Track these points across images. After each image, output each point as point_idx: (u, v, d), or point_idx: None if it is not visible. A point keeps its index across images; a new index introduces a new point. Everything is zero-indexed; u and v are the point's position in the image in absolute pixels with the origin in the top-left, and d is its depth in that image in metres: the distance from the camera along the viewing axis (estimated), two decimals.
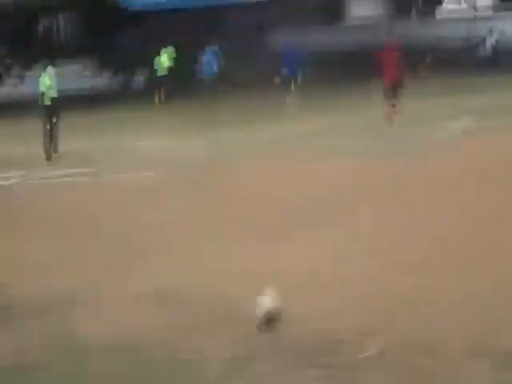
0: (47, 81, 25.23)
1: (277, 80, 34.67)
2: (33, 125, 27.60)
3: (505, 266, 11.45)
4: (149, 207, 17.22)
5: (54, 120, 25.05)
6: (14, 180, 22.02)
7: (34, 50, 41.34)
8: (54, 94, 25.23)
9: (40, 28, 47.30)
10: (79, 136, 27.96)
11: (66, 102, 27.11)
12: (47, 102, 25.16)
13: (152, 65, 38.54)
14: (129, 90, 42.86)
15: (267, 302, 8.25)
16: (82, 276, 12.50)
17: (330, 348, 8.91)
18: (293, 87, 34.68)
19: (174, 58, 37.75)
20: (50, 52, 39.80)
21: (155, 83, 38.80)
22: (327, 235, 13.85)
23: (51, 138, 25.04)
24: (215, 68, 37.69)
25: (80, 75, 41.87)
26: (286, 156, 22.31)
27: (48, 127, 25.02)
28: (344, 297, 10.61)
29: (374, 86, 29.18)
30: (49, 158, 24.80)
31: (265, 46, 50.81)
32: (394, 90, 27.24)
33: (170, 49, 37.71)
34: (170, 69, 37.71)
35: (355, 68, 36.92)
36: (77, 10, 46.70)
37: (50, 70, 25.75)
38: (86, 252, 14.06)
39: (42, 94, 25.27)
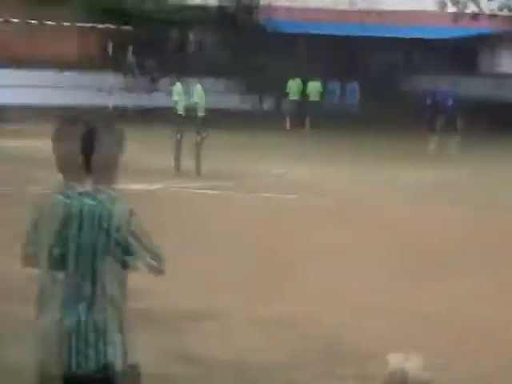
0: (198, 94, 25.83)
1: (437, 124, 35.38)
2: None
3: None
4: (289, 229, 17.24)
5: (202, 136, 25.41)
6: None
7: (181, 64, 41.75)
8: (203, 110, 25.69)
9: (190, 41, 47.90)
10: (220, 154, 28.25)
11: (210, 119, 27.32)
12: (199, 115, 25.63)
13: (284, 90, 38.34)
14: (275, 112, 42.65)
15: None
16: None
17: None
18: (449, 132, 35.09)
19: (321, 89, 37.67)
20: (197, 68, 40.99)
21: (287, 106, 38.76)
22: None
23: (197, 153, 25.43)
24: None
25: (224, 94, 41.66)
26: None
27: (196, 140, 25.44)
28: None
29: None
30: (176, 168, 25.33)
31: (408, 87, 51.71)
32: None
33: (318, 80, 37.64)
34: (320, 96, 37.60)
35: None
36: (222, 28, 47.23)
37: (198, 86, 26.29)
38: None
39: (195, 105, 25.78)
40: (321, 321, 11.15)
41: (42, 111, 35.64)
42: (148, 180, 22.90)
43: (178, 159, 25.01)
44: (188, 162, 25.77)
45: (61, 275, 5.35)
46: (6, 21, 39.86)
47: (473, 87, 41.12)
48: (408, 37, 52.17)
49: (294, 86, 37.59)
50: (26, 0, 42.89)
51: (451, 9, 46.18)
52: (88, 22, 40.15)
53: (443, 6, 46.57)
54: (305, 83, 39.24)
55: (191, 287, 12.75)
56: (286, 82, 38.15)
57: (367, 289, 13.06)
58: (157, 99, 40.28)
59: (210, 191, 21.83)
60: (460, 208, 20.79)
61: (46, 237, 5.41)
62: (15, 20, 39.85)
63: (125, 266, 5.51)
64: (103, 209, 5.38)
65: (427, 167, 29.02)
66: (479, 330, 11.13)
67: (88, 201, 5.37)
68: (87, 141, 5.36)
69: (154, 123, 34.98)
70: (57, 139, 5.34)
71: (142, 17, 41.33)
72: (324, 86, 37.84)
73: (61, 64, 40.03)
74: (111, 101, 34.72)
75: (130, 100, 39.14)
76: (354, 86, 39.14)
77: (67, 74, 39.71)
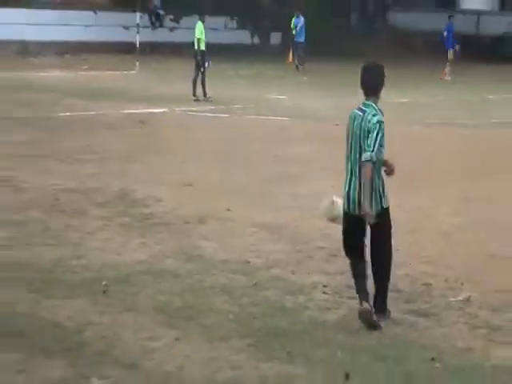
0: (199, 31, 25.21)
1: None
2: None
3: None
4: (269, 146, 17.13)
5: (204, 67, 25.03)
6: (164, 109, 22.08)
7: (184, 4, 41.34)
8: (203, 44, 25.19)
9: None
10: (224, 83, 28.13)
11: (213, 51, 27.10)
12: (201, 48, 25.18)
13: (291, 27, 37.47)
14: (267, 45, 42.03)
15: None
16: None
17: None
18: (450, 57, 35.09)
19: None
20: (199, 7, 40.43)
21: (290, 42, 37.83)
22: None
23: (202, 80, 25.00)
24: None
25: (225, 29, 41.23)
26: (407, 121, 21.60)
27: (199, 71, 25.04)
28: None
29: None
30: (195, 98, 24.72)
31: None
32: None
33: (301, 16, 37.06)
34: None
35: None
36: None
37: (200, 23, 25.58)
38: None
39: (198, 41, 25.32)
40: (307, 223, 11.09)
41: (78, 46, 35.60)
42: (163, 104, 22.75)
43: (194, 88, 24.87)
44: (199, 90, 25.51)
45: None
46: None
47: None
48: None
49: (295, 21, 37.16)
50: None
51: None
52: None
53: None
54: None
55: (192, 192, 12.78)
56: (290, 18, 37.66)
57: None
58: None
59: (220, 114, 21.62)
60: (440, 127, 20.83)
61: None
62: None
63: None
64: (365, 116, 7.82)
65: (424, 90, 29.17)
66: (465, 237, 11.04)
67: (357, 112, 7.93)
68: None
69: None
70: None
71: None
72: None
73: (95, 6, 39.84)
74: (136, 37, 34.43)
75: (151, 36, 38.89)
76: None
77: (100, 14, 39.42)
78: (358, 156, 7.77)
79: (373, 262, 8.03)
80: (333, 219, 8.32)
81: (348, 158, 7.91)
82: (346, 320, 7.91)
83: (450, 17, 39.72)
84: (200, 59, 24.95)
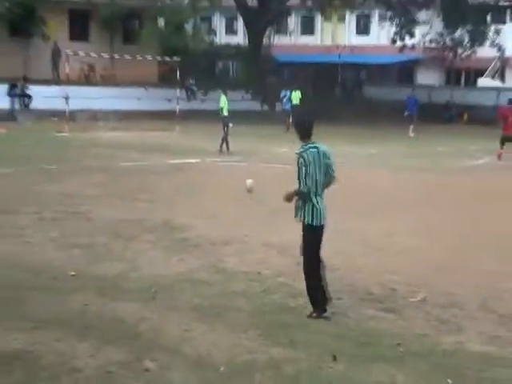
0: (223, 102, 25.23)
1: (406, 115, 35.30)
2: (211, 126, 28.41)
3: None
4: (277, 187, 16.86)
5: (227, 128, 24.92)
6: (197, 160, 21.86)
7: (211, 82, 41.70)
8: (226, 111, 25.07)
9: (218, 67, 47.65)
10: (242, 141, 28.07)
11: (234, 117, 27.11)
12: (224, 114, 25.08)
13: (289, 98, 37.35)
14: (274, 112, 41.96)
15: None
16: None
17: None
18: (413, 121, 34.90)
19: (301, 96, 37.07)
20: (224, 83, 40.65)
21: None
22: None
23: (225, 139, 24.89)
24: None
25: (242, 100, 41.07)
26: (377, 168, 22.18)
27: (224, 131, 24.96)
28: None
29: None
30: (220, 151, 24.61)
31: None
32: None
33: (298, 90, 37.09)
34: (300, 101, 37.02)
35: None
36: (243, 58, 46.91)
37: (223, 95, 25.64)
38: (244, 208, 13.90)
39: (221, 109, 25.23)
40: (298, 245, 11.07)
41: (133, 114, 35.80)
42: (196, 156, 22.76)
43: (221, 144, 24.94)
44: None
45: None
46: (111, 57, 39.80)
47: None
48: (369, 62, 51.92)
49: (294, 95, 37.22)
50: (124, 42, 43.03)
51: (398, 44, 45.78)
52: (163, 57, 40.07)
53: (393, 41, 46.17)
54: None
55: (219, 221, 12.74)
56: (290, 92, 37.78)
57: (335, 221, 12.83)
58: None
59: (239, 163, 21.58)
60: (403, 172, 20.73)
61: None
62: (116, 56, 39.82)
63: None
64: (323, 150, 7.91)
65: (389, 145, 29.03)
66: (422, 253, 11.09)
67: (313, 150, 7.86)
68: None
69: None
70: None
71: (195, 52, 41.27)
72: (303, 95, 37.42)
73: (145, 83, 40.04)
74: (176, 106, 34.65)
75: (187, 106, 39.13)
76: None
77: (150, 89, 39.62)
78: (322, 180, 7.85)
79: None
80: (249, 190, 9.58)
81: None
82: (335, 316, 7.90)
83: (412, 90, 40.07)
84: (223, 122, 25.03)
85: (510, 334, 7.59)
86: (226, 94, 25.62)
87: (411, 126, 34.47)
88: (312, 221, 7.85)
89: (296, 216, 8.00)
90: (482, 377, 6.46)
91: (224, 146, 24.75)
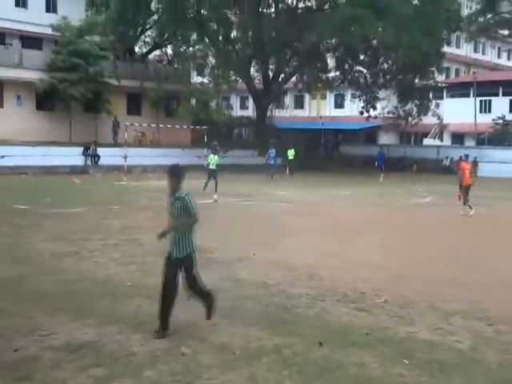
0: (212, 158, 24.32)
1: (376, 165, 35.53)
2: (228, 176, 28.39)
3: None
4: (278, 219, 16.70)
5: (213, 177, 23.61)
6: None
7: (231, 143, 41.78)
8: (214, 166, 23.94)
9: (235, 133, 47.75)
10: (250, 186, 28.12)
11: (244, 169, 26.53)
12: (212, 168, 24.02)
13: (286, 154, 37.31)
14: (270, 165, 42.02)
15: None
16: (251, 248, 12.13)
17: None
18: (382, 170, 35.00)
19: (295, 153, 36.85)
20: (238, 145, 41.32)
21: (286, 163, 37.30)
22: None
23: (206, 183, 23.80)
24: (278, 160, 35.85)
25: (251, 157, 40.75)
26: (352, 204, 22.06)
27: (210, 180, 23.79)
28: None
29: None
30: (204, 190, 23.31)
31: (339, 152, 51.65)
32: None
33: (292, 149, 36.76)
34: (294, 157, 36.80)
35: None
36: (252, 126, 47.08)
37: (214, 154, 24.62)
38: (259, 234, 13.62)
39: (208, 164, 24.50)
40: (298, 261, 11.03)
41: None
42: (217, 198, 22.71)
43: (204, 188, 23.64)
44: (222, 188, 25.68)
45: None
46: (158, 126, 40.06)
47: (376, 152, 41.07)
48: (344, 128, 52.16)
49: (290, 152, 37.31)
50: (167, 115, 43.39)
51: (365, 114, 46.05)
52: (194, 126, 40.37)
53: (361, 113, 46.44)
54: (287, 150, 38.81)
55: (235, 245, 12.63)
56: (287, 150, 37.98)
57: (321, 243, 12.89)
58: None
59: (248, 202, 21.52)
60: (370, 207, 20.74)
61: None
62: (161, 125, 40.08)
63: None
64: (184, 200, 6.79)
65: (360, 188, 28.79)
66: (384, 266, 11.05)
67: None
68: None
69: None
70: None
71: (218, 122, 41.63)
72: (296, 152, 37.08)
73: (182, 145, 40.24)
74: (205, 162, 34.83)
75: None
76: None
77: (186, 149, 39.75)
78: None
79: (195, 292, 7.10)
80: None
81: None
82: (320, 313, 7.85)
83: (380, 147, 40.28)
84: (208, 173, 24.08)
85: (450, 326, 7.52)
86: (214, 154, 24.67)
87: (382, 174, 34.51)
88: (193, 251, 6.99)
89: (182, 253, 6.88)
90: (430, 358, 6.41)
91: (208, 187, 23.73)
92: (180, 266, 6.87)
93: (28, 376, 5.70)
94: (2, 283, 8.95)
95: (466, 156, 20.86)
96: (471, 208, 18.58)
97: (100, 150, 35.86)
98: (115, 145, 37.83)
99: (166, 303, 6.78)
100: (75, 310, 7.69)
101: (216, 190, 22.74)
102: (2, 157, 31.42)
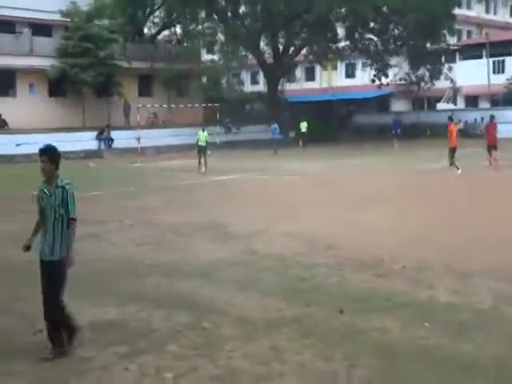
0: (201, 135, 24.79)
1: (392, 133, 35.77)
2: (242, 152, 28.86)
3: None
4: (292, 191, 16.88)
5: (206, 154, 24.46)
6: (235, 176, 21.53)
7: (243, 119, 41.36)
8: (203, 142, 24.57)
9: (247, 108, 47.12)
10: (264, 160, 27.94)
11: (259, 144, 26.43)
12: (200, 144, 24.62)
13: (299, 127, 37.30)
14: (286, 138, 41.30)
15: None
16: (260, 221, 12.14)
17: None
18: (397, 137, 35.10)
19: (307, 126, 36.61)
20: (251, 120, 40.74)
21: (299, 136, 37.46)
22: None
23: (199, 161, 24.40)
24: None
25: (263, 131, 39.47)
26: (365, 173, 21.88)
27: (201, 156, 24.41)
28: None
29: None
30: (199, 168, 24.09)
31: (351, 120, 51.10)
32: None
33: (305, 121, 36.66)
34: (307, 129, 36.54)
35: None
36: (264, 101, 46.35)
37: (201, 131, 25.10)
38: (259, 208, 13.63)
39: (197, 141, 24.90)
40: (314, 232, 11.00)
41: (187, 146, 35.79)
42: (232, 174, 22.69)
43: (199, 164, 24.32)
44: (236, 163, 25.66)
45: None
46: (170, 106, 40.00)
47: (389, 120, 40.63)
48: (356, 97, 51.66)
49: (302, 124, 36.96)
50: (178, 95, 43.23)
51: (377, 82, 45.53)
52: (206, 104, 40.19)
53: (373, 81, 45.94)
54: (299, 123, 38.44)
55: (250, 219, 12.65)
56: (299, 123, 37.63)
57: (336, 213, 12.92)
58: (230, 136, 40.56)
59: (264, 177, 21.49)
60: (384, 175, 20.56)
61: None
62: (173, 105, 40.02)
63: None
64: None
65: (373, 156, 28.54)
66: (400, 232, 11.01)
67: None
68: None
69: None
70: None
71: (230, 99, 41.35)
72: (309, 125, 36.80)
73: (193, 124, 40.08)
74: (217, 139, 34.69)
75: (225, 138, 39.13)
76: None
77: (197, 128, 39.57)
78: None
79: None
80: None
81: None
82: (339, 282, 7.85)
83: (396, 114, 39.94)
84: (198, 150, 24.62)
85: (468, 287, 7.48)
86: (203, 130, 25.05)
87: (395, 140, 34.41)
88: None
89: (54, 255, 5.60)
90: (451, 319, 6.39)
91: (202, 165, 24.31)
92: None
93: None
94: (22, 268, 9.04)
95: (451, 118, 21.61)
96: (458, 168, 19.37)
97: (113, 133, 35.92)
98: (128, 127, 37.84)
99: (54, 319, 5.70)
100: (96, 290, 7.76)
101: (206, 166, 23.12)
102: (18, 145, 31.62)
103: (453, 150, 19.98)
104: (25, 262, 9.30)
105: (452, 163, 19.75)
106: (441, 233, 10.77)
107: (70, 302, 7.20)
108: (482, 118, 40.39)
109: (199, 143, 24.81)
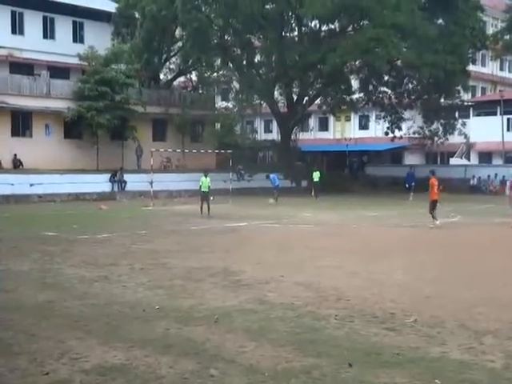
0: (204, 181, 24.91)
1: (406, 187, 36.11)
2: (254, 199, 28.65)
3: None
4: (304, 240, 16.83)
5: (208, 199, 24.60)
6: (245, 223, 21.46)
7: (256, 166, 41.99)
8: (206, 188, 24.71)
9: (259, 156, 47.92)
10: (276, 209, 28.09)
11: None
12: (204, 190, 24.86)
13: (311, 176, 37.66)
14: (300, 187, 41.96)
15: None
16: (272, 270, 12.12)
17: None
18: (412, 190, 35.38)
19: (320, 175, 37.01)
20: (263, 168, 41.15)
21: (312, 185, 37.71)
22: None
23: (201, 206, 24.51)
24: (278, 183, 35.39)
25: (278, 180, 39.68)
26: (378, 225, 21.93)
27: (204, 202, 24.57)
28: None
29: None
30: (201, 213, 24.21)
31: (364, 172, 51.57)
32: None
33: (318, 171, 37.05)
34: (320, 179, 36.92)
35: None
36: (277, 149, 47.05)
37: (204, 177, 25.22)
38: (262, 257, 13.59)
39: (200, 187, 25.09)
40: (326, 282, 11.01)
41: (198, 193, 36.13)
42: (245, 221, 22.79)
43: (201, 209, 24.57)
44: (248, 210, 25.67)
45: None
46: (183, 151, 40.38)
47: (401, 172, 40.80)
48: (369, 149, 52.06)
49: (315, 174, 37.31)
50: (192, 140, 43.73)
51: (390, 135, 45.92)
52: (219, 150, 40.64)
53: (386, 133, 46.35)
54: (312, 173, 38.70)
55: (261, 266, 12.63)
56: (312, 172, 37.97)
57: (348, 264, 12.88)
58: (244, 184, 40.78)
59: (275, 225, 21.60)
60: (397, 228, 20.56)
61: None
62: (186, 151, 40.32)
63: None
64: None
65: (386, 208, 28.64)
66: (412, 286, 11.02)
67: None
68: None
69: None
70: None
71: (243, 146, 41.83)
72: (322, 174, 37.12)
73: (207, 169, 40.34)
74: (229, 185, 34.97)
75: (237, 185, 39.31)
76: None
77: (211, 174, 39.84)
78: None
79: None
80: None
81: None
82: (349, 334, 7.80)
83: (410, 167, 40.18)
84: (201, 196, 24.84)
85: (482, 345, 7.39)
86: (206, 176, 25.14)
87: (411, 193, 34.55)
88: None
89: None
90: (462, 378, 6.30)
91: (205, 211, 24.36)
92: None
93: None
94: (33, 308, 9.07)
95: (433, 172, 22.63)
96: (436, 219, 20.55)
97: (126, 176, 36.29)
98: (140, 170, 38.23)
99: None
100: (105, 333, 7.76)
101: (209, 213, 23.21)
102: (31, 185, 31.99)
103: (433, 203, 20.89)
104: (39, 301, 9.39)
105: (431, 214, 20.63)
106: (454, 288, 10.71)
107: (77, 345, 7.26)
108: (496, 175, 40.58)
109: (202, 189, 24.93)
